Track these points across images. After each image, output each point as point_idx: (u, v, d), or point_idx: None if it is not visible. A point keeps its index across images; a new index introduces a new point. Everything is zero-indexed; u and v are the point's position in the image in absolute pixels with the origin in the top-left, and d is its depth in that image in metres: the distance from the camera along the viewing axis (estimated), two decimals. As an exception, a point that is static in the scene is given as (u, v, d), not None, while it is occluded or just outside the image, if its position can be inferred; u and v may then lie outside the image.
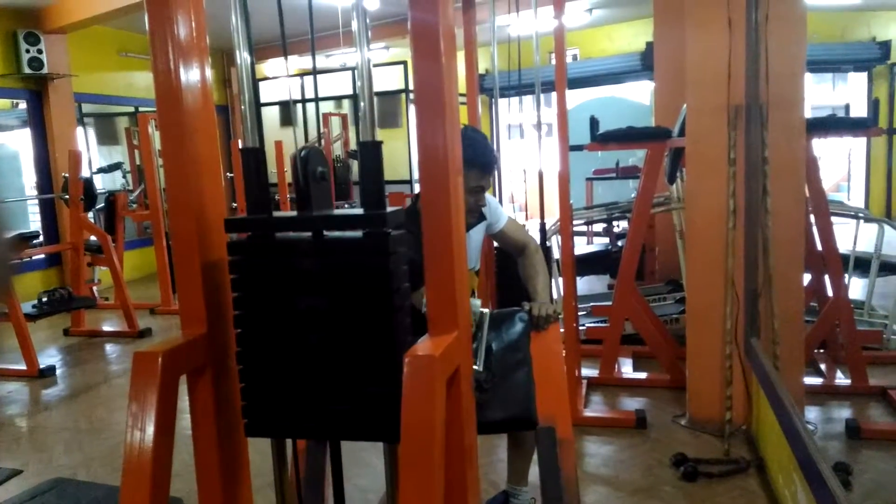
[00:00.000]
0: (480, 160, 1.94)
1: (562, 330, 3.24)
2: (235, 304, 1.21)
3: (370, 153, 1.16)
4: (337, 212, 1.25)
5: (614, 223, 6.08)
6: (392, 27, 8.10)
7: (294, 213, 1.21)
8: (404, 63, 9.10)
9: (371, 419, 1.17)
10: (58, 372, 4.63)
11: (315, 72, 1.38)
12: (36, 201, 7.62)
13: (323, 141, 8.05)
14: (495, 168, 2.02)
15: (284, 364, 1.20)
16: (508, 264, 2.84)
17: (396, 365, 1.12)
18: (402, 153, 9.20)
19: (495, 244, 3.06)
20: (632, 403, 3.52)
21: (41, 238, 7.10)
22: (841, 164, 10.74)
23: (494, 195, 3.32)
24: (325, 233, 1.18)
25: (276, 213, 1.21)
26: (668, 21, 5.20)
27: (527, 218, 9.07)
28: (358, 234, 1.17)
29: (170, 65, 1.20)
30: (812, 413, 3.25)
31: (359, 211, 1.18)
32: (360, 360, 1.16)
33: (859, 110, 9.43)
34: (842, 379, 3.57)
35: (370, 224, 1.15)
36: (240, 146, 1.25)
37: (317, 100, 1.36)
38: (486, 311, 1.75)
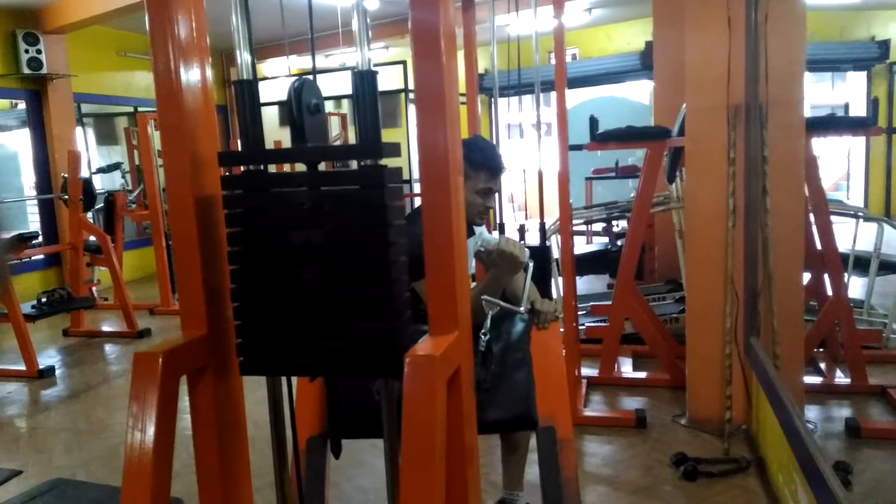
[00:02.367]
0: (492, 164, 2.04)
1: (562, 329, 3.24)
2: (229, 241, 1.20)
3: (365, 83, 1.13)
4: (332, 145, 1.22)
5: (614, 223, 6.09)
6: (391, 27, 8.11)
7: (288, 147, 1.19)
8: (403, 63, 9.11)
9: (365, 354, 1.16)
10: (57, 372, 4.63)
11: (315, 71, 1.37)
12: (35, 201, 7.62)
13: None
14: (503, 171, 2.11)
15: (279, 300, 1.19)
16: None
17: (391, 299, 1.12)
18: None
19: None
20: (631, 403, 3.53)
21: (40, 238, 7.09)
22: (840, 163, 10.74)
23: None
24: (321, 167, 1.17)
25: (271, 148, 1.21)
26: (668, 21, 5.20)
27: (526, 217, 9.07)
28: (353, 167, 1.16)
29: (170, 65, 1.20)
30: (812, 412, 3.25)
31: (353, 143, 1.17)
32: (355, 294, 1.15)
33: (858, 109, 9.44)
34: (841, 378, 3.57)
35: (365, 155, 1.14)
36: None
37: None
38: (531, 263, 1.81)
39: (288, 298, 1.18)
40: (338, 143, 9.20)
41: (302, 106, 1.16)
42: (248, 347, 1.22)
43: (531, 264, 1.81)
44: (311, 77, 1.21)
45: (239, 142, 1.22)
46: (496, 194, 2.18)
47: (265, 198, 1.18)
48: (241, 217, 1.19)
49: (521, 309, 1.75)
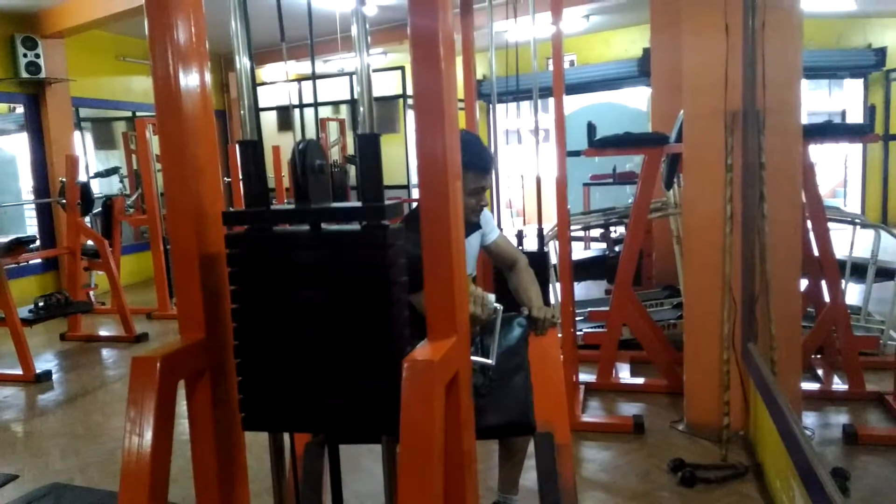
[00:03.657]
0: (479, 163, 1.97)
1: (559, 335, 3.24)
2: (233, 298, 1.20)
3: (369, 146, 1.15)
4: (335, 204, 1.23)
5: (611, 228, 6.09)
6: (390, 32, 8.13)
7: (292, 206, 1.20)
8: (402, 68, 9.13)
9: (367, 413, 1.16)
10: (54, 377, 4.61)
11: (314, 76, 1.38)
12: (33, 206, 7.61)
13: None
14: (493, 168, 2.03)
15: (282, 358, 1.19)
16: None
17: (393, 359, 1.12)
18: (399, 158, 9.22)
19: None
20: (629, 409, 3.52)
21: (38, 242, 7.09)
22: (837, 170, 10.77)
23: (492, 200, 3.32)
24: (324, 225, 1.18)
25: (275, 206, 1.22)
26: (665, 27, 5.21)
27: (524, 223, 9.08)
28: (356, 226, 1.16)
29: (169, 70, 1.20)
30: (809, 418, 3.26)
31: (357, 204, 1.17)
32: (358, 353, 1.16)
33: (855, 116, 9.47)
34: (839, 384, 3.58)
35: (368, 216, 1.15)
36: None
37: (315, 104, 1.36)
38: (499, 306, 1.73)
39: (290, 356, 1.19)
40: (336, 148, 9.20)
41: (306, 167, 1.17)
42: (251, 403, 1.22)
43: (500, 310, 1.71)
44: (314, 139, 1.23)
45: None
46: (487, 191, 2.13)
47: (269, 256, 1.19)
48: (244, 275, 1.20)
49: (490, 361, 1.72)
